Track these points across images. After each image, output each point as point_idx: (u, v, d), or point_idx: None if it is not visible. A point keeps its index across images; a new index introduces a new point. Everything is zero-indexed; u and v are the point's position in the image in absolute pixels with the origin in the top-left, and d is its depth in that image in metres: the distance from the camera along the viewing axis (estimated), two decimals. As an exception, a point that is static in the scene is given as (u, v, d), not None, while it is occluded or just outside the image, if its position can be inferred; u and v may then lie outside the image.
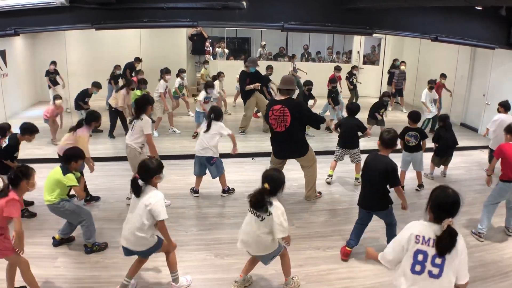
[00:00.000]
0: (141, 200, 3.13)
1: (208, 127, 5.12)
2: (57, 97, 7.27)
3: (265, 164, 6.58)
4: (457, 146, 6.24)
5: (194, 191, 5.41)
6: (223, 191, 5.42)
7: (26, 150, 5.97)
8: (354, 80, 10.17)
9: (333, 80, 8.68)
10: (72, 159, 3.92)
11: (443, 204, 2.30)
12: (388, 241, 3.94)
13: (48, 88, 8.64)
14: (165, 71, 7.92)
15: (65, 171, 3.85)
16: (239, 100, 9.06)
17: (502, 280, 3.70)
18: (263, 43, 12.55)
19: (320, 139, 7.03)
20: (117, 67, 8.95)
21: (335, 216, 4.98)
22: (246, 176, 5.97)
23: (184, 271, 3.63)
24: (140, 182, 3.14)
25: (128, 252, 3.29)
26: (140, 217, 3.11)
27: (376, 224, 4.15)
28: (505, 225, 4.62)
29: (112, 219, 4.60)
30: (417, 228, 2.34)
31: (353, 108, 5.89)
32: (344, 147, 5.81)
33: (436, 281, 2.26)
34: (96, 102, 8.30)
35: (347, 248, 3.99)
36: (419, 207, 5.21)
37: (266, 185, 3.12)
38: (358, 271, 3.81)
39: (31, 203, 4.83)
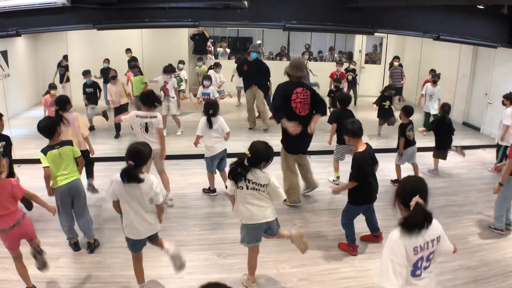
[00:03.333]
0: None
1: (210, 124, 4.96)
2: (53, 86, 7.15)
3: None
4: (459, 145, 6.35)
5: (211, 190, 5.36)
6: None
7: (27, 150, 6.03)
8: (349, 77, 9.87)
9: (336, 80, 8.47)
10: (51, 131, 3.87)
11: (416, 191, 2.24)
12: (370, 226, 4.27)
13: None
14: (162, 71, 7.72)
15: (70, 144, 3.89)
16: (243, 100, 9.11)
17: (504, 279, 3.69)
18: (258, 42, 12.53)
19: (320, 138, 7.00)
20: (105, 60, 8.75)
21: (337, 215, 4.94)
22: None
23: (186, 270, 3.63)
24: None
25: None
26: None
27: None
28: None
29: (112, 219, 4.59)
30: (407, 240, 2.21)
31: (345, 98, 5.62)
32: (344, 143, 5.53)
33: (429, 273, 2.36)
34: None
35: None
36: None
37: (247, 153, 3.13)
38: (359, 270, 3.81)
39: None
